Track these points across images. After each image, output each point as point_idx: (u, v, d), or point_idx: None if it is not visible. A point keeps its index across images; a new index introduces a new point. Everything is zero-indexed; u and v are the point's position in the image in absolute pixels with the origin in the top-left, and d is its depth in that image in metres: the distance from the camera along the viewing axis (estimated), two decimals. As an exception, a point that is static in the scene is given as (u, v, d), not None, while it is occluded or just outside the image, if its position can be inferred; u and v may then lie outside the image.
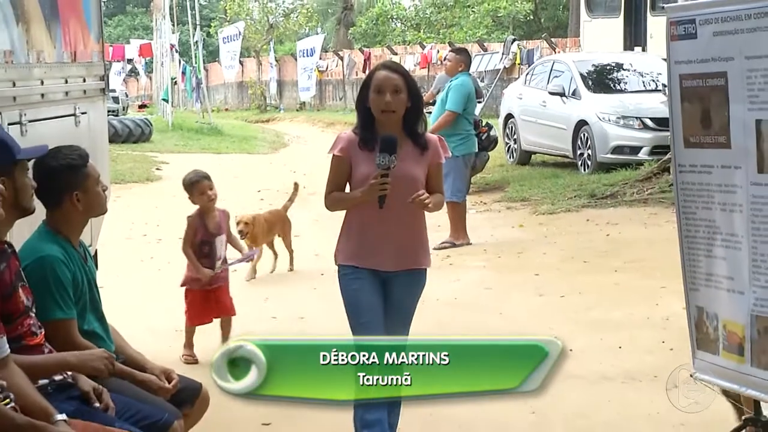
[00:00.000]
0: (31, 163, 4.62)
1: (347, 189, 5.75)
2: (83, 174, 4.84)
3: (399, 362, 5.04)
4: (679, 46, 5.24)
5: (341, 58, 42.97)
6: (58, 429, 3.94)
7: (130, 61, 44.49)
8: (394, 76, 5.57)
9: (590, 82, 19.17)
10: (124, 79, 45.86)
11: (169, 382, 4.94)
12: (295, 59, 44.85)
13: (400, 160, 5.52)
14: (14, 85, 5.67)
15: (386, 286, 5.74)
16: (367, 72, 38.48)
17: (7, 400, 3.95)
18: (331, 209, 5.82)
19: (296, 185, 11.78)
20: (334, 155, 5.72)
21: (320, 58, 43.02)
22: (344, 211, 5.83)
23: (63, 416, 4.08)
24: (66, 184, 4.77)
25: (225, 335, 8.21)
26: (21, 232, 4.79)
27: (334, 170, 5.73)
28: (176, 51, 36.84)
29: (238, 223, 10.54)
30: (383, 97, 5.54)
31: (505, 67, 30.57)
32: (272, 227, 11.45)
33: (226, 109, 47.22)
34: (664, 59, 5.37)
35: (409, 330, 5.76)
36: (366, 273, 5.68)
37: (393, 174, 5.48)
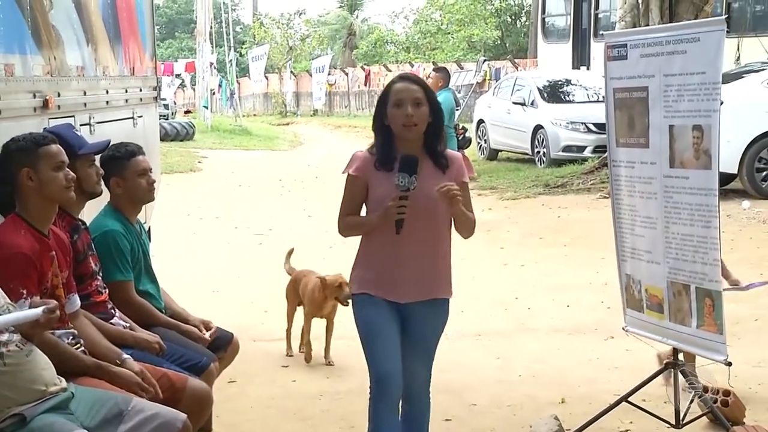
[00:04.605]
0: None
1: (363, 211, 4.39)
2: (123, 164, 4.82)
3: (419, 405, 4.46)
4: (613, 65, 5.26)
5: (346, 74, 42.85)
6: (119, 368, 3.96)
7: (177, 75, 44.31)
8: (414, 88, 4.21)
9: (545, 95, 19.14)
10: (175, 92, 45.69)
11: (208, 329, 4.97)
12: (310, 75, 44.73)
13: (421, 181, 4.15)
14: (85, 93, 5.66)
15: (404, 318, 4.34)
16: (368, 85, 38.97)
17: (78, 345, 3.97)
18: (344, 234, 4.41)
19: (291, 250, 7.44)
20: (349, 174, 4.31)
21: (329, 74, 42.85)
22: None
23: (128, 356, 4.10)
24: (109, 171, 4.72)
25: None
26: (91, 212, 4.80)
27: (348, 191, 4.32)
28: (214, 68, 36.70)
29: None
30: (404, 111, 4.16)
31: (477, 82, 30.44)
32: None
33: (254, 115, 46.98)
34: (603, 76, 5.39)
35: (432, 367, 4.49)
36: (382, 302, 4.30)
37: (413, 196, 4.13)
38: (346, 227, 4.36)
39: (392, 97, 4.21)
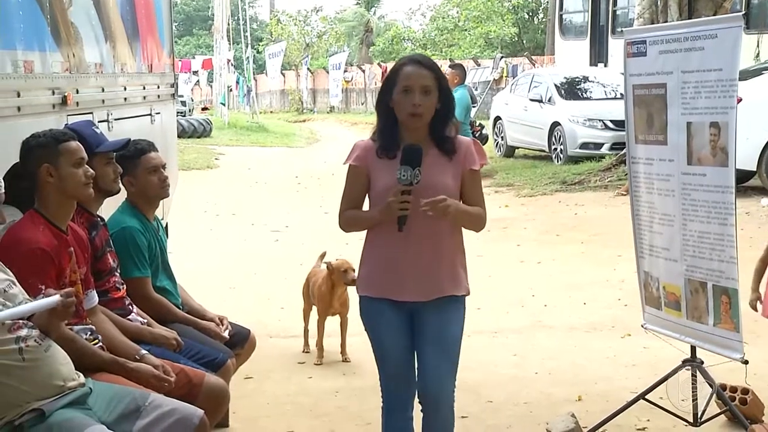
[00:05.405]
0: None
1: (366, 204, 4.11)
2: (133, 163, 4.79)
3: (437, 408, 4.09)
4: (633, 62, 5.24)
5: (363, 71, 42.86)
6: (137, 363, 3.98)
7: (195, 72, 44.37)
8: (424, 73, 3.89)
9: (563, 92, 19.10)
10: (192, 89, 45.79)
11: (221, 323, 5.01)
12: (327, 71, 44.77)
13: (425, 170, 3.86)
14: (103, 90, 5.69)
15: (415, 319, 4.05)
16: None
17: (96, 341, 3.99)
18: (345, 230, 4.12)
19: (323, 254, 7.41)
20: (350, 165, 4.04)
21: (346, 71, 42.87)
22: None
23: (146, 351, 4.13)
24: (123, 169, 4.69)
25: None
26: (110, 208, 4.82)
27: (349, 183, 4.05)
28: (232, 65, 36.71)
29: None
30: (411, 98, 3.87)
31: (494, 78, 30.42)
32: None
33: (271, 112, 47.04)
34: (622, 73, 5.37)
35: (458, 364, 4.12)
36: (388, 307, 4.01)
37: (416, 189, 3.82)
38: (346, 222, 4.08)
39: (400, 82, 3.91)
